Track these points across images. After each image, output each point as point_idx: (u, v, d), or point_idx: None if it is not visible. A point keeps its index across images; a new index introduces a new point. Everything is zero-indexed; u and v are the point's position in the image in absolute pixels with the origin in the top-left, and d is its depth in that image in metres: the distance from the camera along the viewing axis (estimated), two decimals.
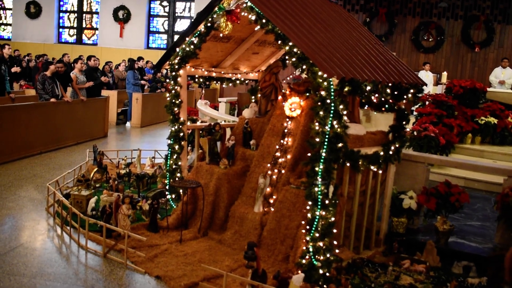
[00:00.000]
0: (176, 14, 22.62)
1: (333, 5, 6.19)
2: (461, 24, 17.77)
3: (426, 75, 14.21)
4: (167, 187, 6.12)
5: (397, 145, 5.36)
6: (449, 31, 17.76)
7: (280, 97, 5.93)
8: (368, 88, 4.52)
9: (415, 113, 9.37)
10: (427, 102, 9.79)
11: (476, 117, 9.82)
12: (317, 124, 4.33)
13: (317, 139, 4.32)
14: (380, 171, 5.23)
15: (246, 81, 7.05)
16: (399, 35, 17.84)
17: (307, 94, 5.52)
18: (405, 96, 5.13)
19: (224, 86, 6.81)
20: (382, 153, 5.11)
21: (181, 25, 22.43)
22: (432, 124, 8.70)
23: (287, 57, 6.27)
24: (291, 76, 8.12)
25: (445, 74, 13.54)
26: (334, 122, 4.28)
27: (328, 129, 4.27)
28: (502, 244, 5.38)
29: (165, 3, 22.69)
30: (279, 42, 4.70)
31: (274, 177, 5.40)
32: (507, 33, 17.56)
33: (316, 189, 4.32)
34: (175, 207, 5.90)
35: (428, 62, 15.31)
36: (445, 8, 17.68)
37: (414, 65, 16.98)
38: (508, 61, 13.91)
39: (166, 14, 22.71)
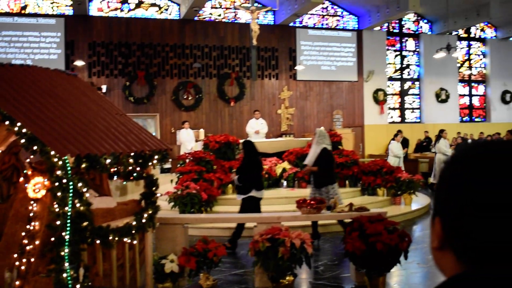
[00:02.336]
0: None
1: (71, 78, 6.06)
2: (215, 81, 19.15)
3: (187, 133, 14.84)
4: None
5: (150, 212, 5.38)
6: (206, 88, 18.96)
7: (22, 179, 5.51)
8: (108, 161, 4.47)
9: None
10: (187, 160, 10.17)
11: (233, 168, 10.50)
12: (56, 206, 4.11)
13: (58, 222, 4.09)
14: (136, 241, 5.16)
15: None
16: (160, 96, 18.38)
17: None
18: (150, 163, 5.21)
19: None
20: (134, 222, 5.07)
21: None
22: (193, 181, 9.04)
23: None
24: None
25: (202, 131, 14.34)
26: (76, 201, 4.12)
27: (70, 209, 4.08)
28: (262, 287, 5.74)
29: None
30: (7, 123, 4.39)
31: (23, 267, 4.93)
32: (255, 87, 19.51)
33: (65, 275, 4.06)
34: None
35: (187, 121, 16.03)
36: (199, 68, 18.87)
37: (177, 124, 17.61)
38: (259, 112, 15.36)
39: None
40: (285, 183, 11.66)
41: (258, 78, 19.33)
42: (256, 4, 15.13)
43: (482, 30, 25.01)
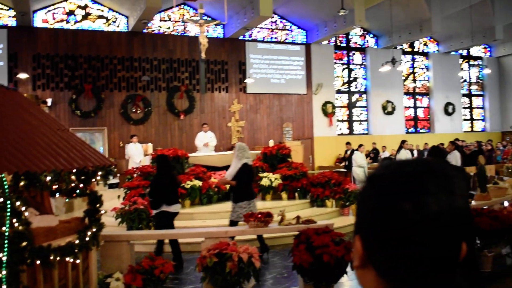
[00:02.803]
0: None
1: (11, 93, 5.87)
2: (165, 94, 18.99)
3: (135, 147, 14.63)
4: None
5: (94, 230, 5.25)
6: (155, 102, 18.77)
7: None
8: (49, 178, 4.34)
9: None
10: (135, 175, 10.00)
11: (183, 182, 10.41)
12: None
13: None
14: (79, 260, 5.02)
15: None
16: (108, 110, 18.05)
17: None
18: (93, 180, 5.10)
19: None
20: (77, 241, 4.93)
21: None
22: (141, 197, 8.88)
23: None
24: None
25: (150, 145, 14.17)
26: (14, 220, 3.97)
27: (7, 229, 3.93)
28: None
29: None
30: None
31: None
32: (205, 100, 19.48)
33: None
34: None
35: (135, 135, 15.80)
36: (148, 81, 18.67)
37: (126, 138, 17.31)
38: (208, 125, 15.33)
39: None
40: None
41: (208, 91, 19.32)
42: (204, 18, 15.14)
43: (425, 44, 25.95)
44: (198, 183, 10.53)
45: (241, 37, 20.50)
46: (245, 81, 20.29)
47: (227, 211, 10.20)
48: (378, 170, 0.98)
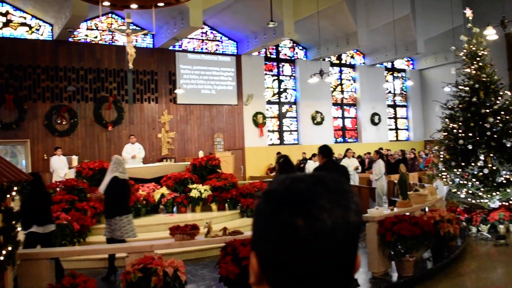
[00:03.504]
0: None
1: None
2: (92, 105, 18.45)
3: (60, 160, 14.12)
4: None
5: (9, 248, 4.99)
6: (82, 113, 18.20)
7: None
8: None
9: None
10: (58, 189, 9.63)
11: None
12: None
13: None
14: None
15: None
16: (31, 121, 17.29)
17: None
18: (8, 195, 4.86)
19: None
20: None
21: None
22: (64, 211, 8.56)
23: None
24: None
25: (75, 157, 13.70)
26: None
27: None
28: None
29: None
30: None
31: None
32: (134, 111, 19.09)
33: None
34: None
35: (59, 147, 15.22)
36: (74, 92, 18.08)
37: (50, 150, 16.62)
38: (135, 137, 15.04)
39: None
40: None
41: (137, 101, 19.02)
42: (132, 27, 14.89)
43: (352, 57, 26.83)
44: None
45: (171, 48, 20.33)
46: (175, 91, 20.11)
47: (156, 223, 10.11)
48: (272, 185, 0.98)
